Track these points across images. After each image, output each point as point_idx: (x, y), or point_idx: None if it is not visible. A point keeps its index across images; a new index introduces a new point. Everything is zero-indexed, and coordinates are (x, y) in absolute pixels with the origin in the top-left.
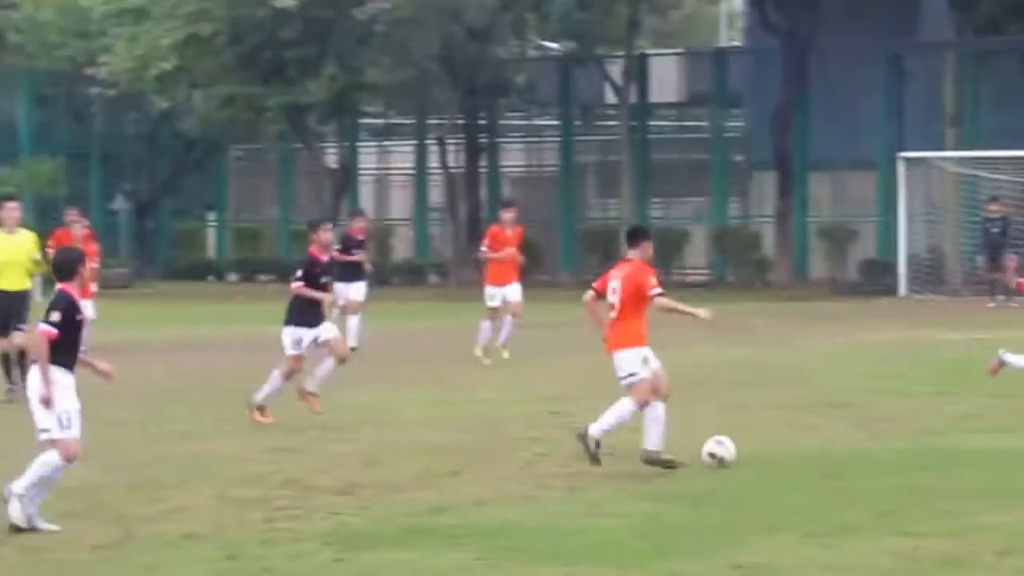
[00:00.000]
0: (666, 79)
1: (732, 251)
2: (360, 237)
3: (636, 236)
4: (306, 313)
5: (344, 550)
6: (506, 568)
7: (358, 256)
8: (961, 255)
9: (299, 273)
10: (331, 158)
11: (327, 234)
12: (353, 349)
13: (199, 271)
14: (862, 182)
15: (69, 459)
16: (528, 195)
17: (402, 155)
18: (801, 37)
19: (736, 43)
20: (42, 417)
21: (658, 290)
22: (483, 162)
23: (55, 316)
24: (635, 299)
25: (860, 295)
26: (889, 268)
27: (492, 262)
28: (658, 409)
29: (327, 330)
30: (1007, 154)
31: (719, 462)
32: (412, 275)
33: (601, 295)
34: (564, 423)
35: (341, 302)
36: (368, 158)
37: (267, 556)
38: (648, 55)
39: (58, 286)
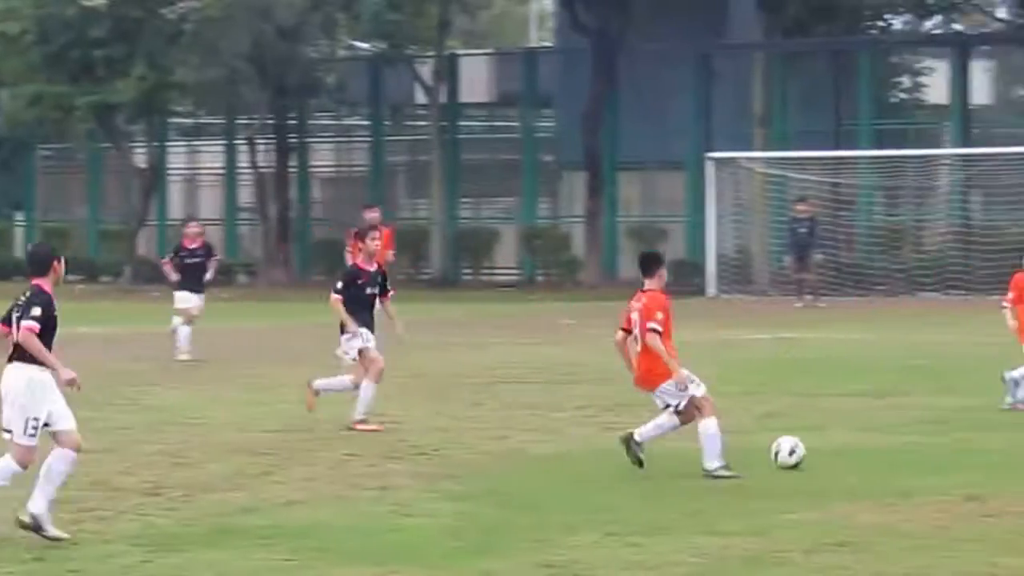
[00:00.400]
0: (476, 79)
1: (542, 251)
2: (192, 246)
3: (651, 264)
4: (360, 318)
5: (153, 551)
6: (316, 568)
7: (195, 264)
8: (769, 255)
9: (339, 285)
10: (140, 158)
11: (374, 242)
12: (183, 360)
13: (7, 271)
14: (671, 182)
15: (24, 465)
16: (338, 195)
17: (211, 155)
18: (610, 38)
19: (546, 43)
20: (9, 417)
21: (655, 326)
22: (293, 162)
23: (36, 312)
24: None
25: (669, 295)
26: (698, 268)
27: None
28: (711, 426)
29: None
30: (814, 154)
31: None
32: (221, 275)
33: (628, 332)
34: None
35: (194, 311)
36: (177, 158)
37: (75, 557)
38: (458, 55)
39: (33, 282)
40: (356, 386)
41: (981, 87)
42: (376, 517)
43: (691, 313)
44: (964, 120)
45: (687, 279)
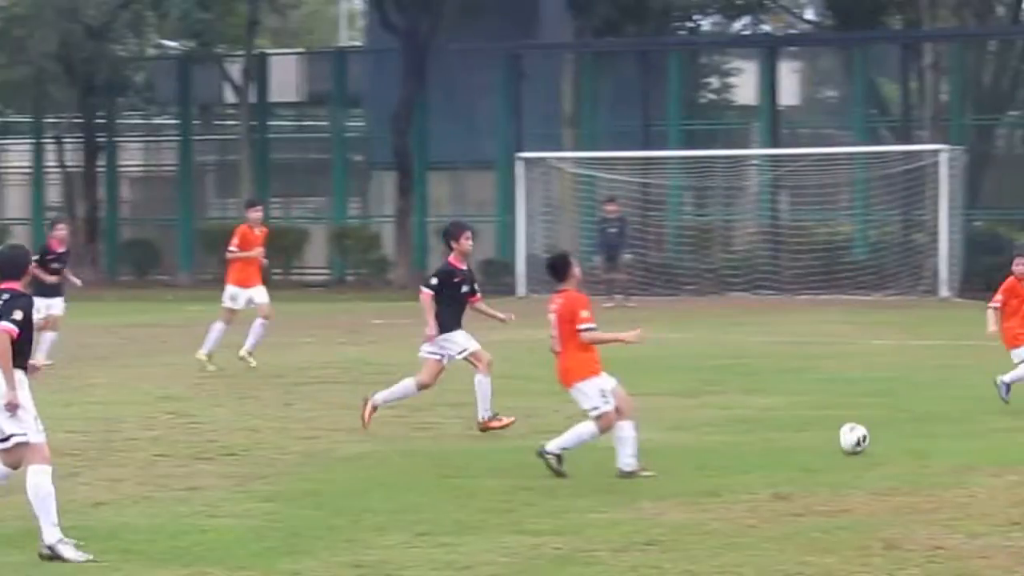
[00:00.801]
0: (286, 79)
1: (352, 251)
2: (60, 249)
3: (562, 270)
4: (448, 322)
5: None
6: (124, 570)
7: (60, 269)
8: (579, 255)
9: (434, 282)
10: None
11: (468, 242)
12: (47, 366)
13: None
14: (481, 182)
15: (48, 461)
16: (147, 195)
17: (19, 153)
18: (420, 38)
19: (356, 43)
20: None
21: (586, 326)
22: (101, 161)
23: (18, 315)
24: (573, 330)
25: (481, 294)
26: (508, 268)
27: (237, 263)
28: (625, 430)
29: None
30: (624, 155)
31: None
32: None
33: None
34: (181, 423)
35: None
36: None
37: None
38: (268, 54)
39: (3, 285)
40: (421, 387)
41: (789, 88)
42: (184, 518)
43: (502, 312)
44: (772, 121)
45: (497, 279)
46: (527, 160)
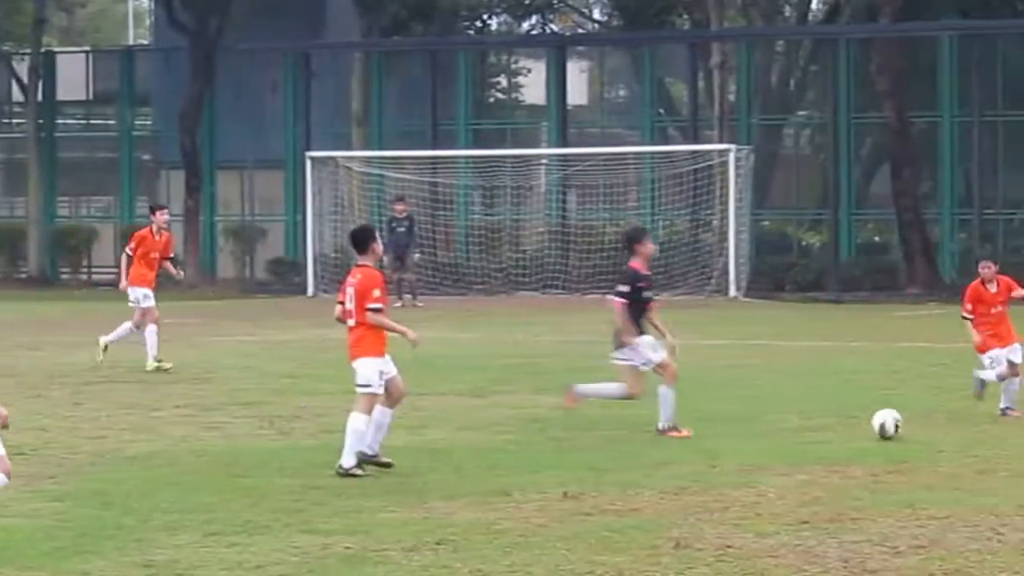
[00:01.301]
0: (74, 77)
1: None
2: None
3: (364, 239)
4: (637, 323)
5: None
6: None
7: None
8: None
9: (625, 289)
10: None
11: (653, 246)
12: None
13: None
14: (270, 181)
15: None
16: None
17: None
18: (208, 36)
19: (144, 42)
20: None
21: (375, 306)
22: None
23: None
24: (365, 307)
25: (269, 294)
26: (297, 267)
27: (139, 264)
28: (386, 416)
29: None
30: (412, 154)
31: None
32: None
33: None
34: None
35: None
36: None
37: None
38: (55, 53)
39: None
40: (630, 397)
41: (578, 88)
42: None
43: (291, 311)
44: (561, 120)
45: (287, 278)
46: (316, 159)
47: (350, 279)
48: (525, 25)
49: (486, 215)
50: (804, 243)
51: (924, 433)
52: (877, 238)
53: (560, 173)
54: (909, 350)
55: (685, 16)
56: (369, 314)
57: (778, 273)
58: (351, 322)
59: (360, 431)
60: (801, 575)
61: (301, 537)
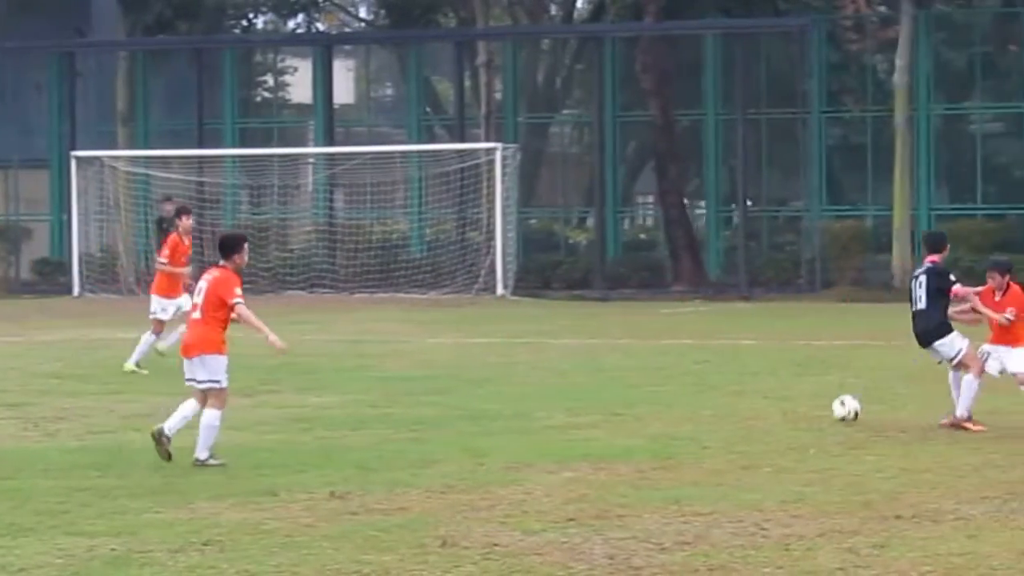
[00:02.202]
0: None
1: None
2: None
3: (233, 245)
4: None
5: None
6: None
7: None
8: (135, 254)
9: (954, 277)
10: None
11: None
12: None
13: None
14: (35, 181)
15: None
16: None
17: None
18: None
19: None
20: None
21: (237, 300)
22: None
23: None
24: (216, 306)
25: (35, 294)
26: (63, 267)
27: (166, 274)
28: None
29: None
30: (178, 153)
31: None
32: None
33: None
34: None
35: None
36: None
37: None
38: None
39: None
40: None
41: (344, 86)
42: None
43: (57, 312)
44: (327, 119)
45: (52, 278)
46: (81, 159)
47: (206, 274)
48: (291, 24)
49: (253, 214)
50: (571, 241)
51: (689, 430)
52: (643, 236)
53: (327, 172)
54: (675, 347)
55: (451, 15)
56: (238, 307)
57: (545, 271)
58: (196, 315)
59: (215, 427)
60: (567, 572)
61: (66, 539)
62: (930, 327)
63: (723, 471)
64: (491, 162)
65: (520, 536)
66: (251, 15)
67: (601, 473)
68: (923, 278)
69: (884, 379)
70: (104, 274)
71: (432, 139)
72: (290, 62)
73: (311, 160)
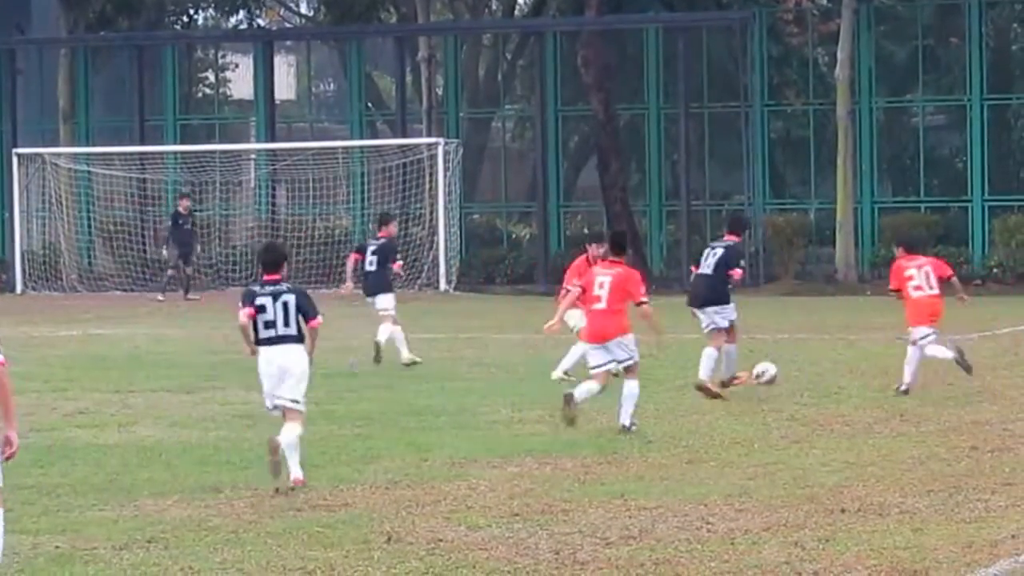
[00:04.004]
0: None
1: None
2: None
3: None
4: None
5: None
6: None
7: None
8: (77, 251)
9: None
10: None
11: None
12: None
13: None
14: None
15: None
16: None
17: None
18: None
19: None
20: None
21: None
22: None
23: None
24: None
25: None
26: (5, 264)
27: None
28: None
29: None
30: (119, 150)
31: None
32: None
33: None
34: None
35: None
36: None
37: None
38: None
39: None
40: None
41: (285, 82)
42: None
43: (0, 309)
44: (269, 115)
45: None
46: (23, 156)
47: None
48: (232, 19)
49: (195, 211)
50: (514, 236)
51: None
52: (586, 230)
53: (269, 168)
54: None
55: (392, 10)
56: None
57: (488, 266)
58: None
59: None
60: (512, 567)
61: (9, 537)
62: (712, 295)
63: (668, 465)
64: (433, 157)
65: (465, 531)
66: (192, 11)
67: (546, 468)
68: (720, 251)
69: (828, 372)
70: (46, 271)
71: (374, 135)
72: (231, 58)
73: (252, 156)
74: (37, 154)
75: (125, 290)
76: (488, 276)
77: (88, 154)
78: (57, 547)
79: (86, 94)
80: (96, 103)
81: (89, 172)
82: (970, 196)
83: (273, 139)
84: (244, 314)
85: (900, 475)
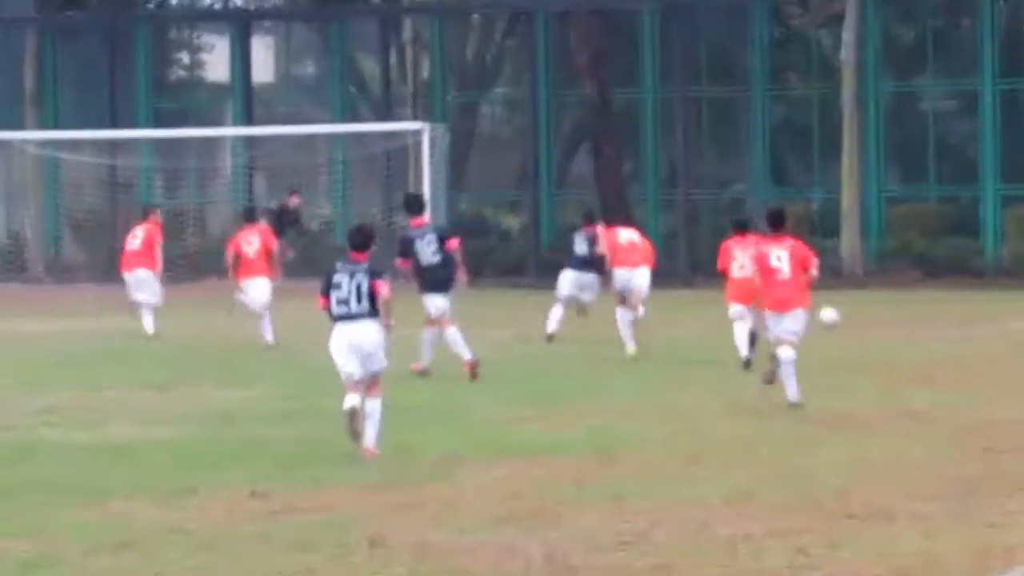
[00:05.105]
0: None
1: None
2: None
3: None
4: None
5: None
6: None
7: None
8: (44, 241)
9: None
10: None
11: None
12: None
13: None
14: None
15: None
16: None
17: None
18: None
19: None
20: None
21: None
22: None
23: None
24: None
25: None
26: None
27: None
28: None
29: None
30: (90, 135)
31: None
32: None
33: None
34: None
35: None
36: None
37: None
38: None
39: None
40: None
41: (264, 65)
42: None
43: None
44: (246, 99)
45: None
46: None
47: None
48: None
49: (169, 198)
50: (503, 226)
51: (632, 423)
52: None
53: (247, 154)
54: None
55: None
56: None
57: (476, 258)
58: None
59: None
60: (501, 573)
61: None
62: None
63: (666, 466)
64: (419, 143)
65: (452, 536)
66: None
67: (537, 468)
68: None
69: (833, 369)
70: (12, 260)
71: (357, 119)
72: (207, 39)
73: (229, 142)
74: (3, 140)
75: (95, 282)
76: (476, 268)
77: (57, 140)
78: (24, 552)
79: (54, 77)
80: (65, 86)
81: (57, 158)
82: (982, 185)
83: (251, 124)
84: (318, 304)
85: (909, 477)
